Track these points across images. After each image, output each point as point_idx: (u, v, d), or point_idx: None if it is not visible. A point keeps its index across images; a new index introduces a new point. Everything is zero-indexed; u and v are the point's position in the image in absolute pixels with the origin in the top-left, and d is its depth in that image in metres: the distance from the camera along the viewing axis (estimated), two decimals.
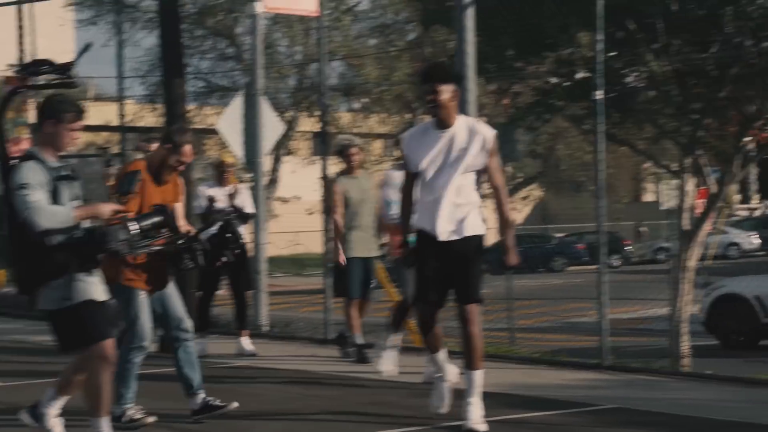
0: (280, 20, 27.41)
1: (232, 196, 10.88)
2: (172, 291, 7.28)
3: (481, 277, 7.06)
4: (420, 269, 7.06)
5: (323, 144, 13.02)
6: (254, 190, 12.69)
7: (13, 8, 25.45)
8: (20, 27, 26.12)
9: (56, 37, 26.96)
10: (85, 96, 41.89)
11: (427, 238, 7.01)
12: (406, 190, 7.19)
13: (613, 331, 9.99)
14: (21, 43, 26.07)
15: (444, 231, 6.93)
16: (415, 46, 27.45)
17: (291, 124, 28.31)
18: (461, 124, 6.98)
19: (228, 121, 12.93)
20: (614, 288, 10.35)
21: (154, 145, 10.69)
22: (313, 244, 26.19)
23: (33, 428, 6.34)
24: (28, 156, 6.08)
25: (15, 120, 20.50)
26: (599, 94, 9.79)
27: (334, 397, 8.46)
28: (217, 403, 7.33)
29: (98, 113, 35.19)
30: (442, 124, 6.95)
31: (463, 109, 9.34)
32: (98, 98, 38.82)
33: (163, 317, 7.27)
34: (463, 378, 7.09)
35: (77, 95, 14.54)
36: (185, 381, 7.33)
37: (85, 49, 6.53)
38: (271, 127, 12.96)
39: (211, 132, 27.34)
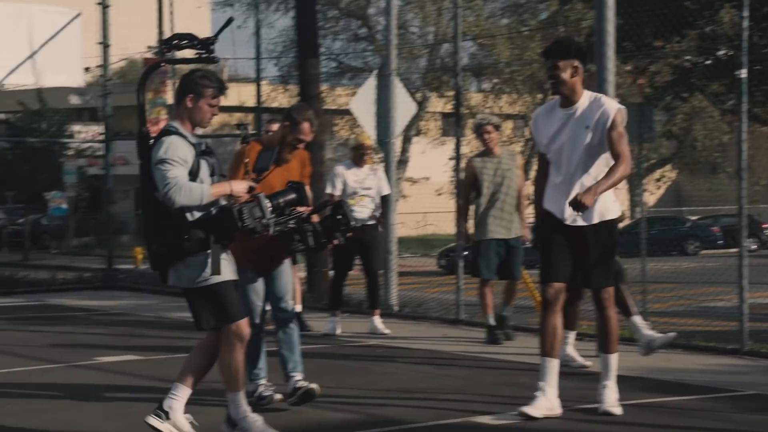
0: (412, 0, 27.39)
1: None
2: (283, 270, 7.13)
3: (613, 262, 6.85)
4: (545, 251, 6.85)
5: (456, 125, 12.98)
6: (386, 170, 12.71)
7: None
8: (160, 10, 26.66)
9: (194, 19, 27.46)
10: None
11: (554, 220, 6.81)
12: (539, 171, 7.04)
13: (752, 316, 9.71)
14: (160, 26, 26.63)
15: (570, 215, 6.71)
16: (548, 25, 27.14)
17: (421, 105, 28.32)
18: (585, 100, 6.75)
19: (361, 102, 12.96)
20: (753, 272, 10.05)
21: (275, 126, 10.84)
22: (442, 224, 26.16)
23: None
24: (168, 131, 6.00)
25: (154, 100, 20.90)
26: (743, 73, 9.47)
27: (465, 377, 8.42)
28: (301, 384, 7.05)
29: (232, 94, 35.85)
30: (566, 101, 6.75)
31: (601, 89, 9.16)
32: (232, 79, 39.45)
33: (267, 295, 7.12)
34: (599, 361, 6.95)
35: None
36: (282, 361, 7.16)
37: (227, 24, 6.40)
38: (404, 107, 12.95)
39: (343, 112, 27.54)
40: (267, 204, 6.11)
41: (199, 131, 6.23)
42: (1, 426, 6.60)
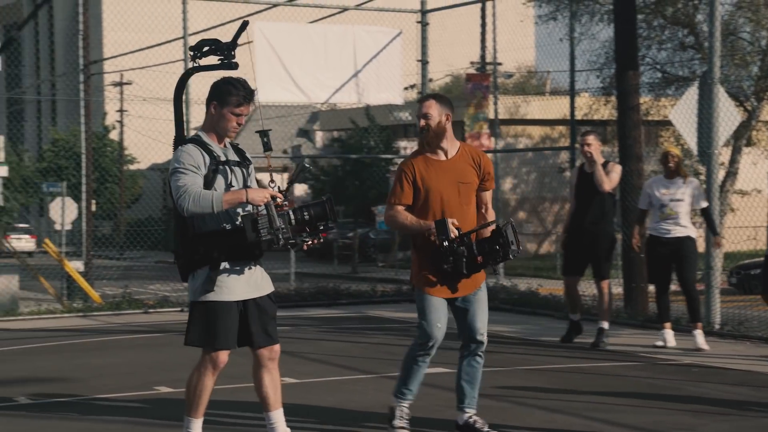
0: (743, 5, 26.32)
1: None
2: (478, 298, 6.70)
3: None
4: None
5: None
6: (708, 181, 12.31)
7: (476, 7, 26.35)
8: (483, 26, 27.06)
9: (517, 33, 27.64)
10: (542, 89, 42.72)
11: None
12: None
13: None
14: (483, 42, 27.01)
15: None
16: None
17: (752, 114, 27.12)
18: None
19: (682, 112, 12.61)
20: None
21: (591, 137, 10.76)
22: None
23: None
24: (191, 139, 5.93)
25: (475, 115, 21.23)
26: None
27: None
28: (483, 429, 6.73)
29: (554, 107, 35.81)
30: None
31: None
32: (554, 92, 39.43)
33: (459, 324, 6.75)
34: None
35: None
36: (459, 393, 6.85)
37: (242, 28, 6.10)
38: (727, 117, 12.48)
39: (667, 123, 26.81)
40: (286, 216, 5.76)
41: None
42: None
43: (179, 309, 14.27)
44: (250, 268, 5.93)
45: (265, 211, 5.73)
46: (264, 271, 6.05)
